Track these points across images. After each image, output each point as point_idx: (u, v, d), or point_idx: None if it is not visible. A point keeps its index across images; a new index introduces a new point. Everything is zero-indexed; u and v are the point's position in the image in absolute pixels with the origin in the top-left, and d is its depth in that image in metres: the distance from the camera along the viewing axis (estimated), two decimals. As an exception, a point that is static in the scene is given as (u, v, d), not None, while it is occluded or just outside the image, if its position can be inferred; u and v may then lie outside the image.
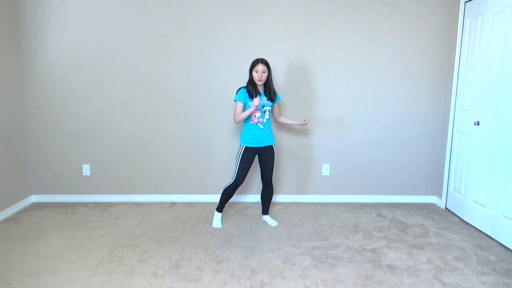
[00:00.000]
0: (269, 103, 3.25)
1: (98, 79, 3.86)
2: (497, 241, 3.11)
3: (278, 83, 3.85)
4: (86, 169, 4.03)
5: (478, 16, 3.34)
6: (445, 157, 3.87)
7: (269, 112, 3.27)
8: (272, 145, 3.34)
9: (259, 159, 3.36)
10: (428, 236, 3.23)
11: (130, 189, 4.07)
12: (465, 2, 3.53)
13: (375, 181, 4.07)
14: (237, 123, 3.26)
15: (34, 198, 4.07)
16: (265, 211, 3.52)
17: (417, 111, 3.93)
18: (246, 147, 3.25)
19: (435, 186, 4.06)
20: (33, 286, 2.44)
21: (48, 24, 3.76)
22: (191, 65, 3.84)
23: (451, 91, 3.75)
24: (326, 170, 4.04)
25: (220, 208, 3.43)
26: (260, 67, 3.12)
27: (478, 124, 3.34)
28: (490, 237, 3.19)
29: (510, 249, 2.97)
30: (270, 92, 3.23)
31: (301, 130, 3.95)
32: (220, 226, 3.40)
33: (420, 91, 3.89)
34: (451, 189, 3.80)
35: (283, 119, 3.50)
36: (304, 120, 3.39)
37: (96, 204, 3.97)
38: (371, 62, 3.84)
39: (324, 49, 3.81)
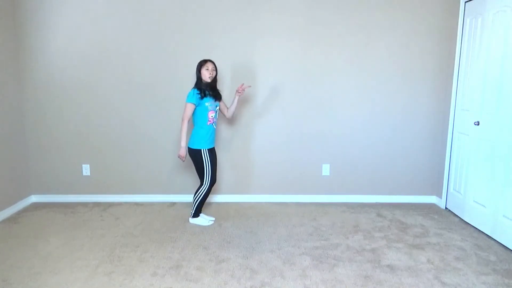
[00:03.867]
0: (218, 103, 3.34)
1: (98, 79, 3.86)
2: (497, 241, 3.11)
3: (276, 81, 3.85)
4: (86, 169, 4.03)
5: (478, 16, 3.34)
6: (445, 157, 3.87)
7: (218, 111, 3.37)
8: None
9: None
10: (428, 236, 3.23)
11: (130, 189, 4.07)
12: (465, 2, 3.53)
13: (375, 181, 4.07)
14: (182, 126, 3.20)
15: (34, 198, 4.07)
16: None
17: (417, 111, 3.93)
18: (208, 149, 3.29)
19: (435, 186, 4.06)
20: (33, 286, 2.44)
21: (48, 24, 3.76)
22: (192, 64, 3.83)
23: (451, 91, 3.75)
24: (326, 170, 4.04)
25: (198, 213, 3.46)
26: (210, 65, 3.22)
27: (478, 124, 3.34)
28: (490, 237, 3.19)
29: (510, 249, 2.97)
30: (216, 91, 3.31)
31: (300, 130, 3.95)
32: (213, 218, 3.51)
33: (420, 91, 3.89)
34: (451, 189, 3.80)
35: (230, 109, 3.45)
36: (241, 86, 3.29)
37: (96, 204, 3.97)
38: (371, 62, 3.84)
39: (324, 49, 3.81)
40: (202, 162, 3.27)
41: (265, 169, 4.03)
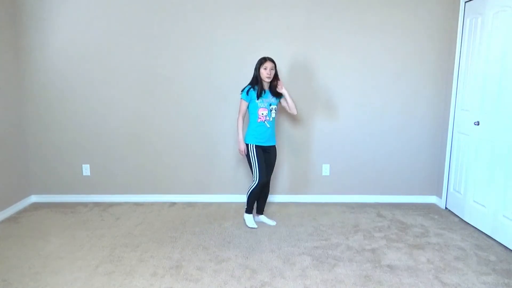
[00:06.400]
0: (275, 101, 3.27)
1: (97, 79, 3.86)
2: (497, 241, 3.11)
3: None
4: (86, 169, 4.03)
5: (478, 16, 3.34)
6: (445, 157, 3.87)
7: (275, 110, 3.27)
8: (274, 145, 3.37)
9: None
10: (428, 236, 3.23)
11: (130, 189, 4.07)
12: (465, 2, 3.53)
13: (375, 181, 4.07)
14: (237, 122, 3.28)
15: (34, 198, 4.07)
16: (262, 210, 3.52)
17: (417, 111, 3.93)
18: (256, 145, 3.24)
19: (435, 186, 4.06)
20: (33, 286, 2.44)
21: (47, 24, 3.76)
22: (192, 64, 3.84)
23: (451, 91, 3.75)
24: (326, 170, 4.04)
25: (250, 209, 3.40)
26: (269, 65, 3.15)
27: (478, 124, 3.34)
28: (490, 237, 3.19)
29: (510, 249, 2.97)
30: (274, 90, 3.26)
31: (300, 130, 3.95)
32: (256, 226, 3.38)
33: (420, 91, 3.89)
34: (451, 189, 3.80)
35: (288, 105, 3.30)
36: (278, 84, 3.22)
37: (96, 204, 3.97)
38: (371, 62, 3.84)
39: (324, 50, 3.81)
40: (249, 157, 3.25)
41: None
